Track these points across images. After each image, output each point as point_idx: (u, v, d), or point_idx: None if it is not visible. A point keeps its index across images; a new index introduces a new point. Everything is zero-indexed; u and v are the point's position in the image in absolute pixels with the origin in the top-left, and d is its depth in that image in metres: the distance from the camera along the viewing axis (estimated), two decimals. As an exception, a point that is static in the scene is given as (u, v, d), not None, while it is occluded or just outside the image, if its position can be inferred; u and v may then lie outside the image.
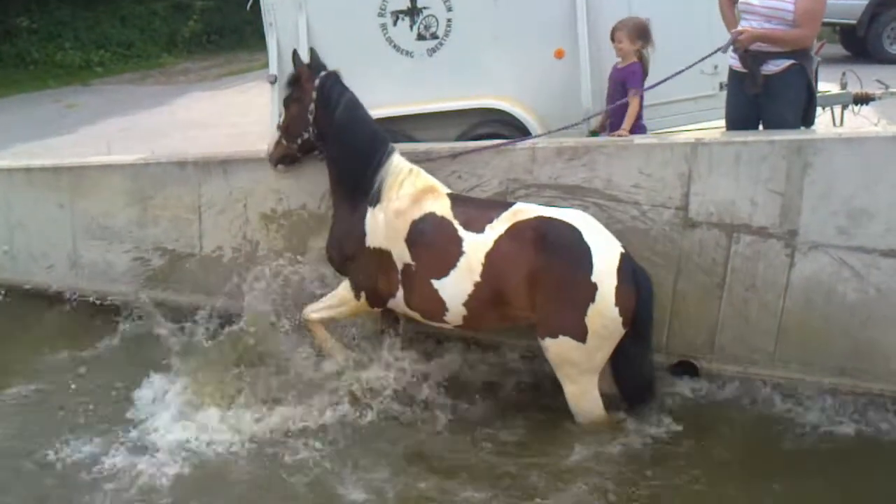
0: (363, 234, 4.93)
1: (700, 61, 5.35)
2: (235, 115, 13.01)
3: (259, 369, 5.11)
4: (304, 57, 5.34)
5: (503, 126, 6.32)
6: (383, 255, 4.90)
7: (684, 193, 4.91)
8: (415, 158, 5.20)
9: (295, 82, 5.16)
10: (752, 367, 4.99)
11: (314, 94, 5.01)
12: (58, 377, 5.47)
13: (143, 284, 6.29)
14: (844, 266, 4.70)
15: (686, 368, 5.15)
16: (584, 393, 4.54)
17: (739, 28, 5.20)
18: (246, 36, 23.16)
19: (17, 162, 7.08)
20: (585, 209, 5.00)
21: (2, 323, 6.46)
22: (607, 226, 4.72)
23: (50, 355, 5.77)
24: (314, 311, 5.17)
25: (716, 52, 5.31)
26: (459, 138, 6.28)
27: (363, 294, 5.04)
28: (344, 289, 5.12)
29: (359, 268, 5.01)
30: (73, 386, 5.32)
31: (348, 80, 5.13)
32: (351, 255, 5.04)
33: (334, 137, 5.00)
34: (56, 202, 6.47)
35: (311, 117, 5.05)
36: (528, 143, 5.35)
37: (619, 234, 4.86)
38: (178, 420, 4.79)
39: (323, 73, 5.05)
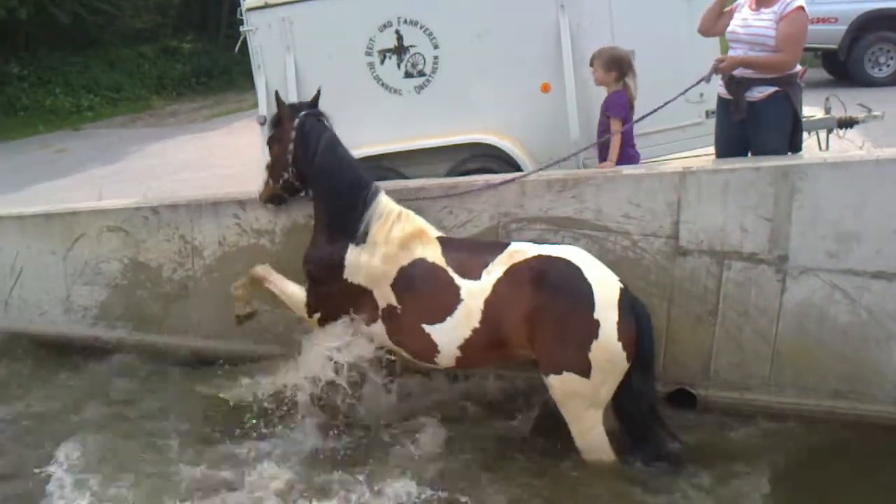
0: (341, 267, 4.85)
1: (684, 92, 5.42)
2: (225, 155, 13.09)
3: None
4: (295, 97, 5.37)
5: (492, 160, 6.37)
6: (362, 292, 4.85)
7: (674, 222, 4.94)
8: (406, 195, 5.24)
9: (277, 123, 5.17)
10: (747, 394, 4.99)
11: (293, 135, 5.01)
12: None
13: (136, 328, 6.28)
14: (836, 289, 4.73)
15: (684, 397, 5.14)
16: (590, 429, 4.49)
17: (721, 56, 5.30)
18: (234, 77, 23.36)
19: (8, 210, 7.09)
20: (577, 241, 5.03)
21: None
22: (599, 257, 4.73)
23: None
24: (266, 277, 5.16)
25: (699, 81, 5.38)
26: (449, 173, 6.34)
27: (317, 315, 5.00)
28: (300, 298, 5.04)
29: (326, 295, 4.95)
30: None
31: (337, 120, 5.15)
32: (321, 280, 4.97)
33: (315, 178, 4.99)
34: (48, 249, 6.48)
35: (289, 157, 5.05)
36: (517, 175, 5.38)
37: (611, 265, 4.86)
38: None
39: (303, 113, 5.04)
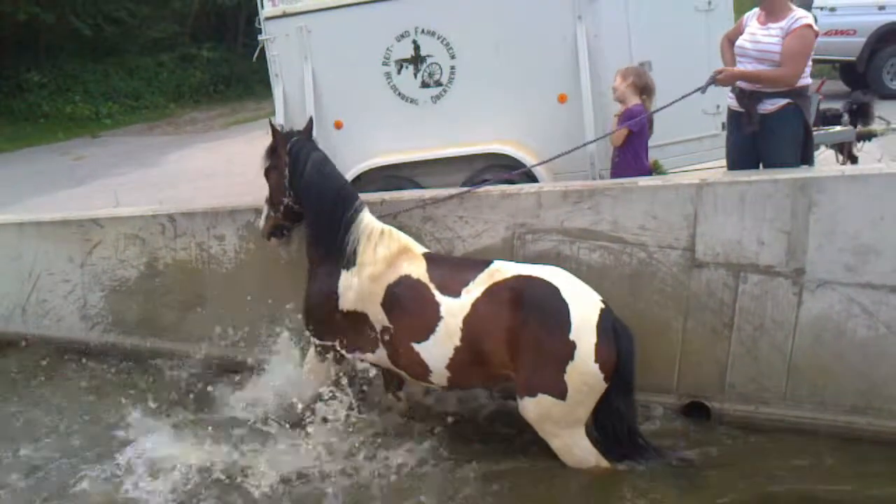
0: (336, 298, 4.87)
1: (679, 100, 5.35)
2: (242, 163, 13.08)
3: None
4: (312, 106, 5.39)
5: (508, 171, 6.36)
6: (359, 317, 4.85)
7: (690, 234, 4.92)
8: (418, 204, 5.26)
9: (272, 152, 5.19)
10: (763, 407, 4.94)
11: (287, 159, 5.04)
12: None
13: (152, 334, 6.30)
14: (853, 303, 4.68)
15: (697, 410, 5.11)
16: (572, 445, 4.47)
17: (719, 68, 5.29)
18: (252, 85, 23.48)
19: (27, 216, 7.14)
20: (592, 252, 5.02)
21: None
22: (615, 269, 4.71)
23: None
24: (306, 371, 5.16)
25: (695, 91, 5.34)
26: (465, 183, 6.32)
27: (330, 355, 4.97)
28: (311, 357, 5.07)
29: (330, 330, 4.94)
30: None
31: (354, 128, 5.17)
32: (323, 320, 4.96)
33: (302, 197, 5.02)
34: (66, 255, 6.53)
35: (286, 182, 5.06)
36: (533, 186, 5.38)
37: (626, 277, 4.88)
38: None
39: (294, 138, 5.08)
